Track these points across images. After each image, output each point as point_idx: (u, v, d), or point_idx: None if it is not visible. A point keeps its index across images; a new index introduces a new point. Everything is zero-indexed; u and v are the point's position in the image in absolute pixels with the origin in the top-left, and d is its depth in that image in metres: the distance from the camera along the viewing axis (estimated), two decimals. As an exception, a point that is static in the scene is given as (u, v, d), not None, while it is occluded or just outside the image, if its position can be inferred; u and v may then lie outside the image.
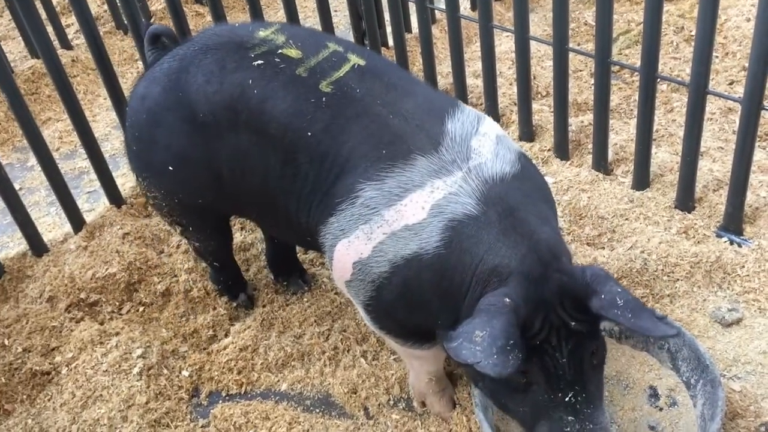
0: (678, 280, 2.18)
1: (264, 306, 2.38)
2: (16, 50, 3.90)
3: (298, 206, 1.78)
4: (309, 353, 2.19)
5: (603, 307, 1.41)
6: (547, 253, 1.49)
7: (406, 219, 1.57)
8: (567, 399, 1.49)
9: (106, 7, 4.04)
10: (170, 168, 1.93)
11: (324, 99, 1.70)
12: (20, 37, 3.80)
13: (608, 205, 2.43)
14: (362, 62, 1.75)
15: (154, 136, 1.92)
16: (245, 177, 1.84)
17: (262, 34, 1.83)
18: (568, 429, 1.49)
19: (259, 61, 1.77)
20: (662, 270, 2.20)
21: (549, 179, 2.56)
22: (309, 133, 1.71)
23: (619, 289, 1.42)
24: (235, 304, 2.39)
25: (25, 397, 2.21)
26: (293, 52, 1.77)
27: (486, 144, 1.63)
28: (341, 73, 1.72)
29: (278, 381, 2.15)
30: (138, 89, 1.98)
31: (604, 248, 2.31)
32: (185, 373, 2.20)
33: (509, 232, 1.51)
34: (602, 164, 2.55)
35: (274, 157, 1.76)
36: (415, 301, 1.63)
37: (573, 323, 1.46)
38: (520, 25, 2.49)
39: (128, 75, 3.67)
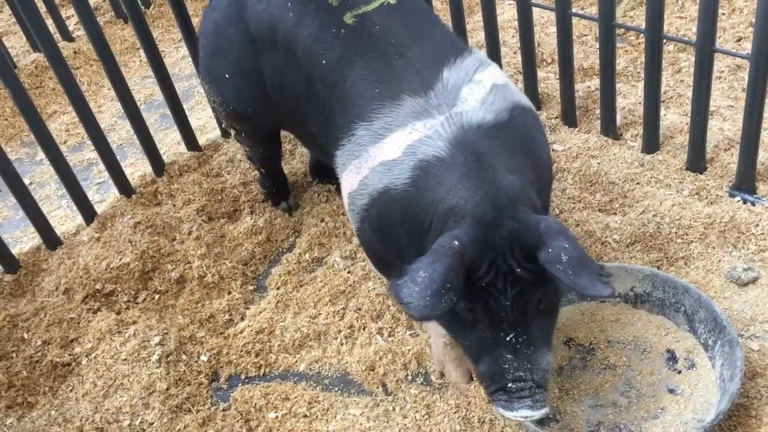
0: (692, 242, 2.16)
1: (278, 288, 2.38)
2: (18, 45, 3.90)
3: (318, 130, 1.95)
4: (325, 333, 2.20)
5: (548, 261, 1.44)
6: (504, 200, 1.52)
7: (384, 156, 1.66)
8: (508, 339, 1.55)
9: (104, -4, 4.02)
10: (227, 76, 2.15)
11: (343, 30, 1.79)
12: (21, 32, 3.80)
13: (619, 170, 2.41)
14: (392, 1, 1.80)
15: (217, 45, 2.14)
16: (282, 93, 2.02)
17: None
18: (507, 366, 1.56)
19: None
20: (676, 233, 2.19)
21: (558, 147, 2.55)
22: (324, 61, 1.82)
23: (567, 245, 1.44)
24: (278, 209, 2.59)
25: (47, 388, 2.23)
26: None
27: (476, 92, 1.66)
28: (369, 8, 1.79)
29: (296, 362, 2.16)
30: (211, 2, 2.21)
31: (616, 214, 2.30)
32: (203, 357, 2.22)
33: (471, 176, 1.55)
34: (611, 129, 2.52)
35: (301, 79, 1.92)
36: (387, 236, 1.74)
37: (519, 270, 1.50)
38: (521, -8, 2.45)
39: (130, 64, 3.67)
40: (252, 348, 2.21)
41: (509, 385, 1.57)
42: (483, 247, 1.49)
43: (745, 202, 2.22)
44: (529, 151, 1.68)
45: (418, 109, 1.65)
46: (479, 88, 1.67)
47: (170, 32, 3.83)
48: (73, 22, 3.91)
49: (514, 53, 2.96)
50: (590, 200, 2.35)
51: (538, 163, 1.71)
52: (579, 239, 2.24)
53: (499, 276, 1.51)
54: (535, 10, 2.55)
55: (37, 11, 2.46)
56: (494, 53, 2.71)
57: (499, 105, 1.66)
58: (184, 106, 2.92)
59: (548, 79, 2.80)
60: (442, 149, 1.59)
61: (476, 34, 3.02)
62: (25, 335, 2.36)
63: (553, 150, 2.54)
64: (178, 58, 3.65)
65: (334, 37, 1.80)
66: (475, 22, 3.18)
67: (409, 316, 1.48)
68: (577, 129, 2.62)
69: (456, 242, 1.46)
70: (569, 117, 2.62)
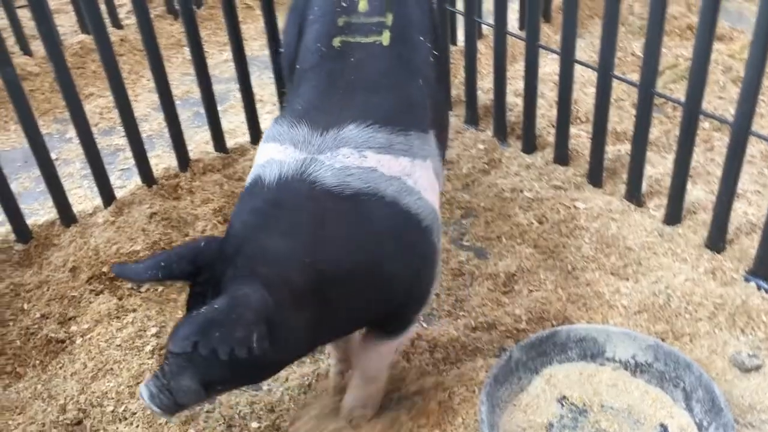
0: (700, 319, 2.14)
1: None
2: (67, 24, 3.98)
3: None
4: (320, 349, 2.19)
5: None
6: (251, 252, 1.51)
7: (257, 157, 1.74)
8: None
9: (159, -10, 4.10)
10: (287, 18, 2.19)
11: (324, 49, 1.84)
12: (73, 12, 3.87)
13: (637, 237, 2.40)
14: (386, 43, 1.82)
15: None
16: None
17: None
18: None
19: None
20: (685, 308, 2.17)
21: (580, 204, 2.55)
22: (298, 66, 1.93)
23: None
24: None
25: (38, 362, 2.23)
26: (363, 5, 1.89)
27: (349, 159, 1.61)
28: (361, 40, 1.82)
29: (287, 375, 2.15)
30: None
31: (628, 279, 2.29)
32: (196, 356, 2.21)
33: (252, 214, 1.59)
34: (635, 195, 2.52)
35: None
36: None
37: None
38: (566, 48, 2.48)
39: (173, 59, 3.72)
40: (246, 355, 2.21)
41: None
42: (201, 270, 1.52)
43: (759, 288, 2.20)
44: (339, 239, 1.56)
45: (301, 138, 1.66)
46: (355, 159, 1.61)
47: (217, 35, 3.90)
48: (124, 11, 3.99)
49: (550, 106, 2.97)
50: (604, 262, 2.34)
51: (348, 259, 1.56)
52: (587, 299, 2.23)
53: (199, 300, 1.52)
54: (577, 68, 2.56)
55: (94, -6, 2.52)
56: (531, 103, 2.73)
57: (352, 182, 1.59)
58: (219, 108, 2.95)
59: (580, 136, 2.82)
60: (271, 177, 1.60)
61: (516, 83, 3.04)
62: (25, 306, 2.37)
63: (574, 207, 2.54)
64: (220, 60, 3.70)
65: (317, 49, 1.86)
66: (515, 71, 3.21)
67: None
68: (601, 190, 2.62)
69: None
70: (595, 177, 2.62)
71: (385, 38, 1.83)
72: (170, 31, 3.93)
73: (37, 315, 2.33)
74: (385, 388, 1.98)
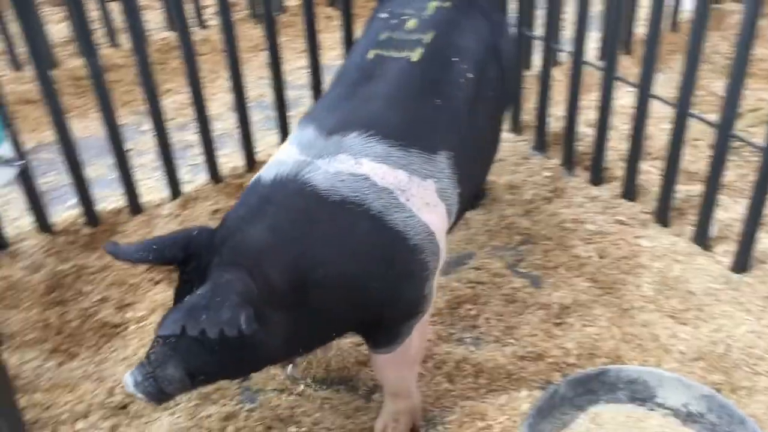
0: (760, 374, 2.05)
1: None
2: (155, 20, 4.12)
3: None
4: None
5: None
6: (238, 245, 1.56)
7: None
8: None
9: (246, -6, 4.21)
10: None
11: (358, 60, 1.89)
12: (161, 9, 4.00)
13: (701, 282, 2.32)
14: (414, 59, 1.84)
15: None
16: None
17: (435, 3, 2.03)
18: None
19: (406, 10, 2.01)
20: (745, 360, 2.08)
21: (644, 242, 2.48)
22: (340, 70, 1.99)
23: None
24: None
25: (92, 344, 2.30)
26: (412, 23, 1.95)
27: (344, 165, 1.64)
28: (392, 54, 1.86)
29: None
30: None
31: (687, 325, 2.21)
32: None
33: (245, 207, 1.67)
34: (702, 238, 2.44)
35: None
36: None
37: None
38: (644, 81, 2.42)
39: (252, 62, 3.80)
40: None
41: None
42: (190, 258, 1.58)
43: (827, 348, 2.10)
44: (320, 242, 1.59)
45: (306, 141, 1.71)
46: (350, 165, 1.64)
47: (295, 41, 3.96)
48: (209, 11, 4.10)
49: (622, 139, 2.91)
50: (663, 304, 2.27)
51: (324, 260, 1.59)
52: (642, 340, 2.17)
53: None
54: (654, 103, 2.51)
55: (181, -7, 2.60)
56: (602, 135, 2.68)
57: (341, 188, 1.61)
58: (290, 113, 3.00)
59: (650, 173, 2.75)
60: (269, 175, 1.66)
61: (588, 113, 2.99)
62: (86, 288, 2.45)
63: (638, 244, 2.48)
64: (296, 66, 3.76)
65: (351, 61, 1.93)
66: (590, 100, 3.15)
67: None
68: (668, 229, 2.54)
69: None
70: (662, 215, 2.55)
71: (416, 54, 1.85)
72: (252, 34, 4.02)
73: (97, 298, 2.41)
74: (418, 407, 1.97)
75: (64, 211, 2.74)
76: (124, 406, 2.10)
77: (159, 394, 1.56)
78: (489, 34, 2.07)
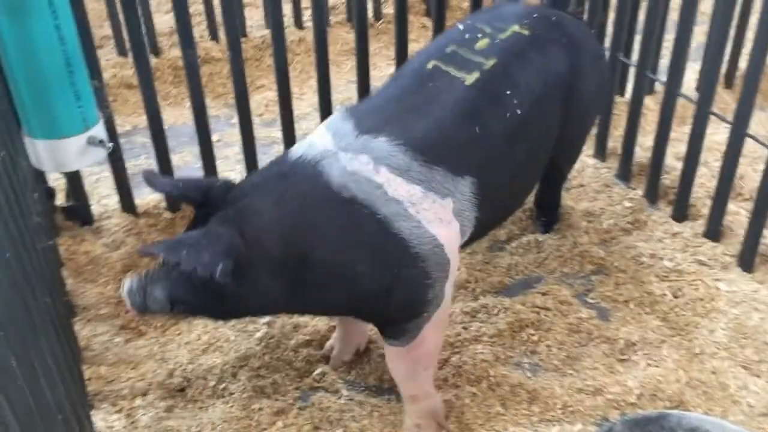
0: (835, 440, 1.93)
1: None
2: (255, 17, 4.23)
3: None
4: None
5: None
6: (244, 210, 1.69)
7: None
8: None
9: (345, -2, 4.27)
10: None
11: (417, 66, 1.94)
12: (262, 7, 4.11)
13: (780, 334, 2.20)
14: (467, 83, 1.87)
15: None
16: None
17: (515, 27, 2.02)
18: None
19: (485, 27, 2.03)
20: (820, 423, 1.96)
21: (722, 286, 2.37)
22: (400, 70, 2.06)
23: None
24: None
25: (159, 325, 2.38)
26: (483, 43, 1.96)
27: (363, 167, 1.72)
28: (450, 70, 1.89)
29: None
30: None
31: (760, 377, 2.10)
32: (303, 352, 2.26)
33: (262, 178, 1.80)
34: (787, 289, 2.31)
35: None
36: None
37: None
38: (741, 118, 2.32)
39: (343, 65, 3.85)
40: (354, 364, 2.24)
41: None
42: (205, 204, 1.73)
43: None
44: (322, 230, 1.71)
45: (342, 132, 1.79)
46: (369, 169, 1.72)
47: (389, 49, 3.99)
48: (308, 13, 4.18)
49: (712, 177, 2.79)
50: (737, 352, 2.17)
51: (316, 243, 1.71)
52: (709, 388, 2.07)
53: None
54: (750, 142, 2.40)
55: (281, -6, 2.66)
56: (690, 170, 2.58)
57: (354, 188, 1.70)
58: (374, 119, 3.01)
59: (738, 214, 2.62)
60: (296, 153, 1.77)
61: (679, 146, 2.88)
62: (161, 270, 2.53)
63: (716, 287, 2.37)
64: (386, 73, 3.79)
65: (417, 62, 1.96)
66: (682, 133, 3.04)
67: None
68: (750, 275, 2.42)
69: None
70: (747, 260, 2.43)
71: (471, 78, 1.88)
72: (346, 38, 4.07)
73: (169, 281, 2.48)
74: (439, 409, 1.99)
75: (149, 194, 2.85)
76: (182, 389, 2.17)
77: (142, 306, 1.73)
78: (563, 73, 2.04)
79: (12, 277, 1.46)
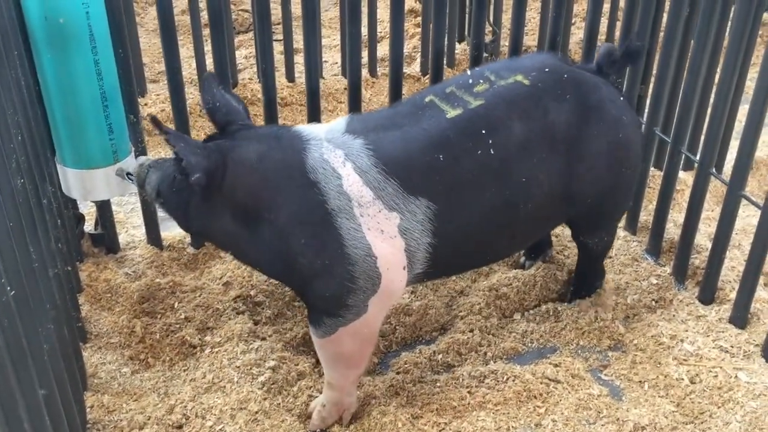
0: None
1: (397, 373, 2.36)
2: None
3: None
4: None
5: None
6: (229, 152, 1.96)
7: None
8: None
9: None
10: None
11: (418, 98, 2.08)
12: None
13: (799, 433, 2.09)
14: (449, 116, 1.98)
15: None
16: None
17: (518, 77, 2.09)
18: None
19: (491, 75, 2.11)
20: None
21: (742, 376, 2.27)
22: (406, 99, 2.27)
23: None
24: None
25: (168, 359, 2.40)
26: (481, 87, 2.05)
27: (332, 162, 1.92)
28: (442, 106, 2.01)
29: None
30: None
31: (772, 477, 1.99)
32: (302, 398, 2.25)
33: (262, 130, 2.10)
34: (813, 386, 2.20)
35: None
36: None
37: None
38: (770, 204, 2.25)
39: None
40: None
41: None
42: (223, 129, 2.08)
43: None
44: (280, 193, 1.92)
45: (338, 127, 2.01)
46: (338, 161, 1.91)
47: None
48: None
49: (743, 257, 2.70)
50: (751, 448, 2.06)
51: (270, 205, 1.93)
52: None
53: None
54: (782, 228, 2.32)
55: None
56: (719, 252, 2.50)
57: (318, 173, 1.90)
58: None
59: (764, 300, 2.52)
60: (301, 129, 2.02)
61: (709, 224, 2.81)
62: (176, 305, 2.57)
63: (736, 377, 2.27)
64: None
65: (420, 95, 2.10)
66: (718, 212, 2.97)
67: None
68: (774, 367, 2.32)
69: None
70: (772, 351, 2.33)
71: (453, 113, 1.98)
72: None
73: (182, 316, 2.52)
74: (348, 406, 2.15)
75: (175, 227, 2.90)
76: (180, 426, 2.17)
77: (141, 183, 2.07)
78: (560, 126, 2.05)
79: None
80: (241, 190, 1.92)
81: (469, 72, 2.17)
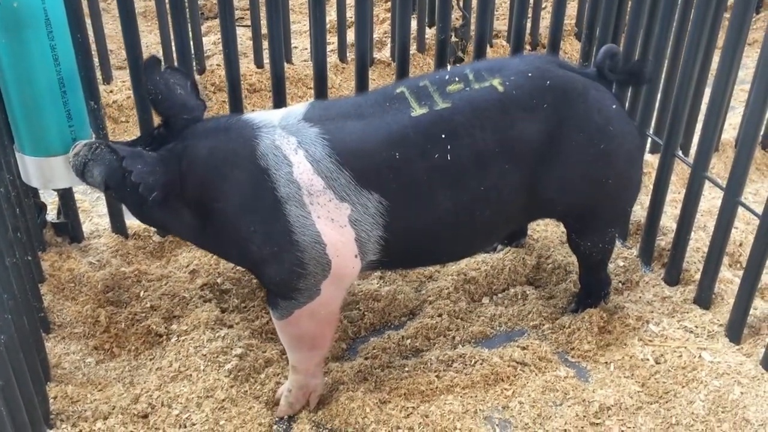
0: None
1: (365, 359, 2.36)
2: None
3: None
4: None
5: None
6: (184, 152, 1.97)
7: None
8: None
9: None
10: None
11: (390, 89, 2.03)
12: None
13: (761, 411, 2.11)
14: (414, 114, 1.94)
15: None
16: None
17: (495, 81, 2.01)
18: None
19: (470, 74, 2.03)
20: None
21: (706, 356, 2.30)
22: (380, 88, 2.16)
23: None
24: None
25: (133, 348, 2.38)
26: (454, 87, 1.99)
27: (284, 148, 1.92)
28: (410, 101, 1.96)
29: (343, 436, 2.12)
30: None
31: (734, 454, 2.02)
32: (270, 385, 2.23)
33: (214, 126, 2.04)
34: (774, 364, 2.23)
35: None
36: None
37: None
38: (732, 186, 2.27)
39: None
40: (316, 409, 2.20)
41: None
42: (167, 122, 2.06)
43: None
44: (229, 181, 1.92)
45: (294, 114, 1.99)
46: (290, 149, 1.90)
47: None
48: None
49: (708, 239, 2.73)
50: (714, 426, 2.09)
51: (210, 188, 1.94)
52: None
53: None
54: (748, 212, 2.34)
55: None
56: (683, 234, 2.52)
57: (269, 159, 1.89)
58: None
59: (732, 283, 2.52)
60: (252, 116, 2.01)
61: (675, 206, 2.83)
62: (142, 294, 2.54)
63: (700, 356, 2.30)
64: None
65: (394, 86, 2.05)
66: (678, 198, 2.99)
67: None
68: (737, 347, 2.34)
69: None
70: (734, 331, 2.35)
71: (418, 112, 1.94)
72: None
73: (148, 305, 2.49)
74: (313, 388, 2.15)
75: (141, 217, 2.87)
76: (145, 416, 2.15)
77: (79, 174, 2.07)
78: (529, 137, 1.98)
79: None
80: (195, 189, 1.93)
81: (449, 68, 2.12)
